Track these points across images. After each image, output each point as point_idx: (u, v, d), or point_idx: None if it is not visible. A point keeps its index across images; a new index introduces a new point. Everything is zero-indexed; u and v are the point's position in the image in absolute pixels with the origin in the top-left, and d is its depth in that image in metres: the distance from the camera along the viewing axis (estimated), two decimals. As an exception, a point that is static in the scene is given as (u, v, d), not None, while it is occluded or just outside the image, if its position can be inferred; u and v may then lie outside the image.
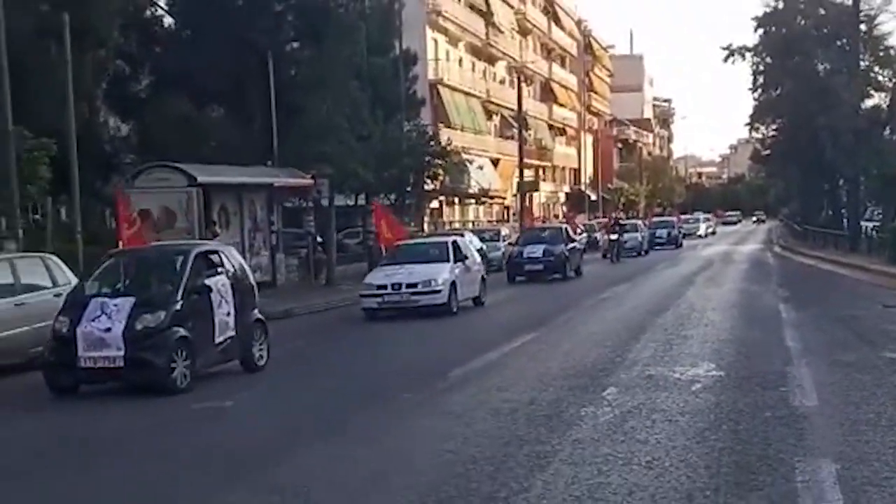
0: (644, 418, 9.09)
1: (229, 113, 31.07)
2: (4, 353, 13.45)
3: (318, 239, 31.83)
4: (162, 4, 30.96)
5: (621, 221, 44.75)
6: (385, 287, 19.63)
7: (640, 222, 52.62)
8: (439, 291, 19.44)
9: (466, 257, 21.32)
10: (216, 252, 13.26)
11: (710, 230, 73.46)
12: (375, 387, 11.91)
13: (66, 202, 24.21)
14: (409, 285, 19.51)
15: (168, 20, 31.35)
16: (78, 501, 7.47)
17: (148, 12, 30.70)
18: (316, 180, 28.62)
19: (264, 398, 11.81)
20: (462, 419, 9.43)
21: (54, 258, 15.30)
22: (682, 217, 73.15)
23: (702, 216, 79.35)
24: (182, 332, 11.62)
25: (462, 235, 30.81)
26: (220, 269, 12.74)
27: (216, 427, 10.21)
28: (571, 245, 30.67)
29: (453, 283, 19.86)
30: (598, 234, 47.40)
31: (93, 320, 11.43)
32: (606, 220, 52.69)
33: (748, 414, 9.18)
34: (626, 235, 41.56)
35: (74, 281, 15.15)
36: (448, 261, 20.37)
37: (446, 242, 21.71)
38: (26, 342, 13.65)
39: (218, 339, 12.30)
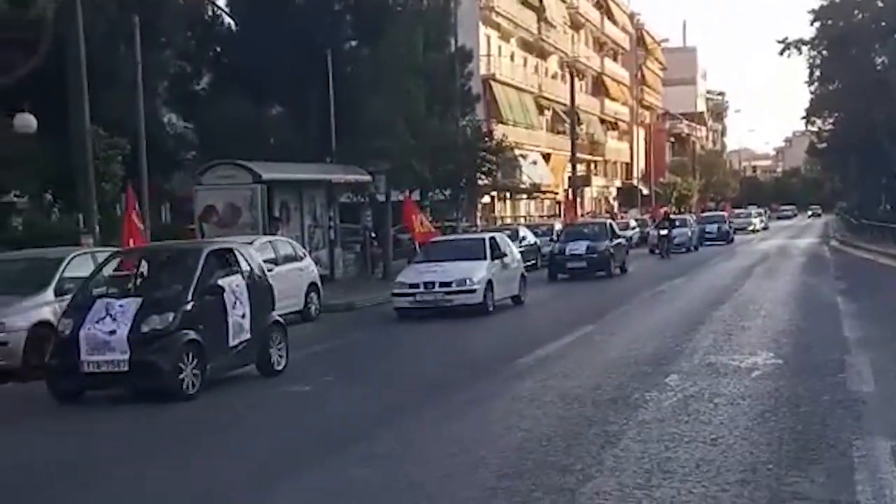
0: (706, 402, 9.46)
1: (287, 110, 31.74)
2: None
3: (373, 234, 32.37)
4: (222, 5, 31.70)
5: (671, 216, 43.27)
6: (418, 286, 18.84)
7: (689, 217, 51.08)
8: (474, 291, 18.69)
9: (505, 254, 20.48)
10: (231, 251, 12.62)
11: (762, 225, 71.81)
12: (443, 377, 12.31)
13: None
14: (442, 284, 18.71)
15: (227, 20, 32.06)
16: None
17: (209, 12, 31.37)
18: (373, 176, 29.14)
19: (346, 383, 12.29)
20: (533, 403, 9.86)
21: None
22: (734, 211, 71.79)
23: (754, 210, 77.64)
24: (192, 334, 11.01)
25: (512, 231, 31.09)
26: (234, 269, 12.16)
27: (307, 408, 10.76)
28: (616, 241, 29.36)
29: (489, 282, 19.08)
30: (648, 229, 46.22)
31: (97, 322, 10.89)
32: (653, 213, 50.97)
33: (807, 398, 9.50)
34: (675, 231, 40.22)
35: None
36: (484, 258, 19.58)
37: (483, 239, 20.89)
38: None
39: (232, 343, 11.74)
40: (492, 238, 21.00)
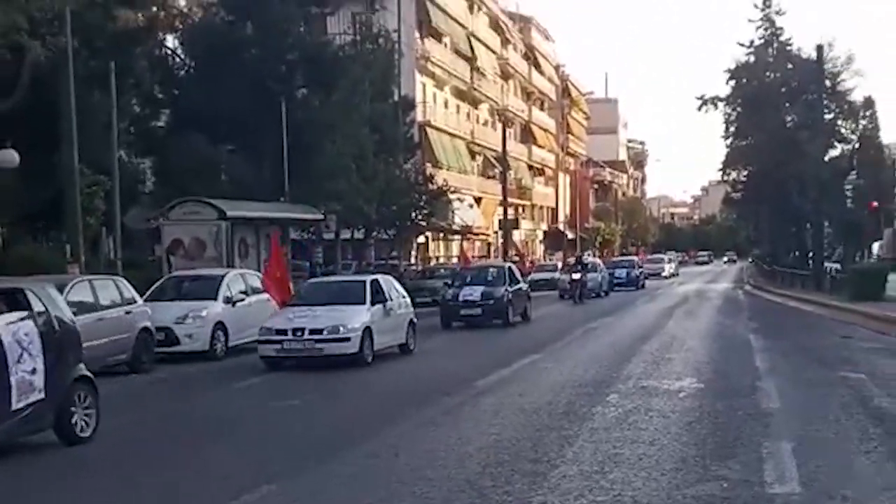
0: (643, 415, 11.41)
1: (242, 151, 33.34)
2: (87, 361, 15.50)
3: (319, 269, 34.12)
4: (181, 52, 33.26)
5: (584, 260, 41.68)
6: (285, 332, 16.86)
7: (598, 261, 49.53)
8: (349, 339, 16.83)
9: (387, 299, 18.58)
10: (20, 291, 10.31)
11: (672, 271, 70.65)
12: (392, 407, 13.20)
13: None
14: (313, 331, 16.76)
15: (186, 63, 33.62)
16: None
17: (169, 57, 32.91)
18: (325, 216, 30.90)
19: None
20: (498, 416, 11.69)
21: (122, 280, 17.50)
22: (647, 257, 71.99)
23: (666, 256, 77.17)
24: None
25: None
26: (22, 313, 10.02)
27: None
28: (516, 287, 27.04)
29: (368, 329, 17.24)
30: (556, 274, 44.87)
31: None
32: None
33: (725, 412, 11.51)
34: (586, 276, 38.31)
35: (140, 301, 17.42)
36: (364, 303, 17.80)
37: (363, 282, 18.88)
38: (104, 352, 15.80)
39: (17, 405, 9.66)
40: (374, 280, 19.08)
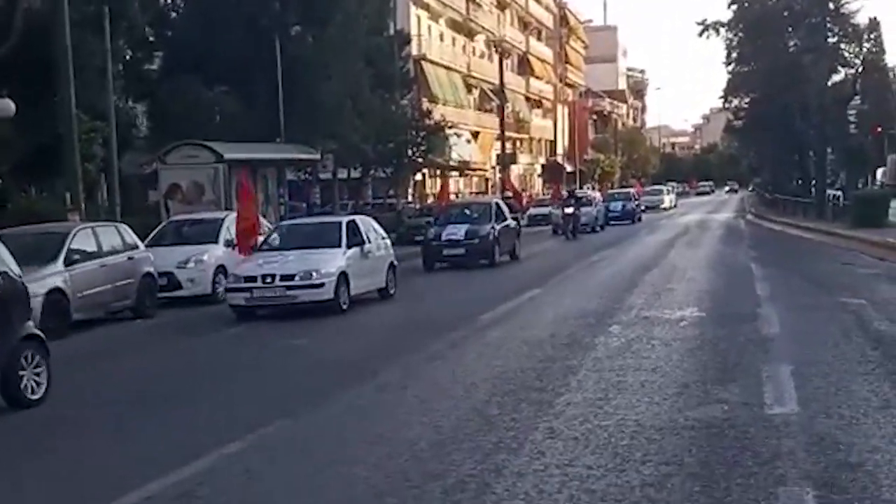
0: (645, 343, 11.55)
1: (237, 92, 33.13)
2: (92, 308, 15.70)
3: (317, 209, 34.17)
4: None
5: (577, 194, 40.04)
6: (255, 279, 15.91)
7: (595, 194, 47.93)
8: (322, 285, 15.83)
9: (365, 241, 17.58)
10: None
11: (671, 203, 68.78)
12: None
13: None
14: (284, 277, 15.84)
15: (179, 3, 33.32)
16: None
17: (161, -1, 32.65)
18: (322, 155, 30.84)
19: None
20: (501, 348, 11.84)
21: (125, 226, 17.57)
22: (643, 189, 69.35)
23: (665, 188, 75.54)
24: None
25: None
26: None
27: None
28: (503, 224, 25.65)
29: (343, 275, 16.27)
30: (550, 208, 42.98)
31: None
32: (554, 193, 46.14)
33: (726, 339, 11.65)
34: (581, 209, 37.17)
35: (142, 246, 17.50)
36: (339, 246, 16.88)
37: (339, 223, 17.91)
38: (109, 298, 15.95)
39: None
40: (350, 222, 18.07)
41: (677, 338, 11.92)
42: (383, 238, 19.04)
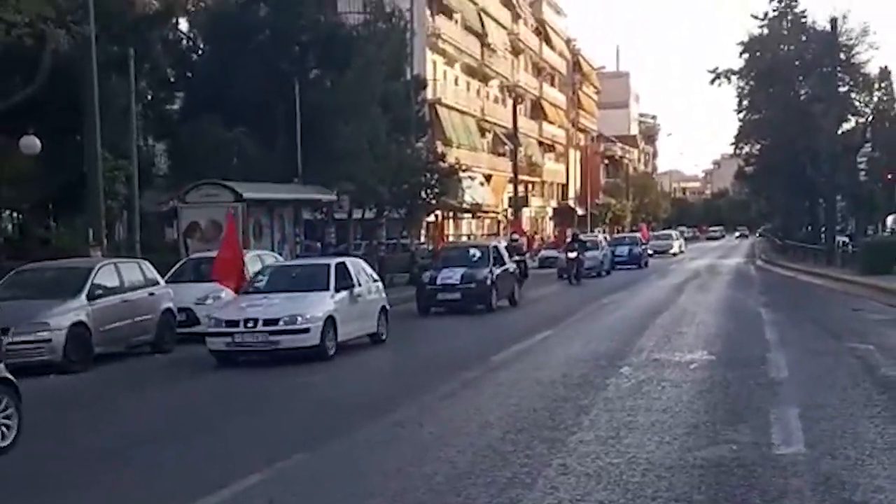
0: (656, 385, 11.82)
1: (256, 133, 33.68)
2: (113, 342, 16.03)
3: (331, 249, 34.51)
4: (194, 35, 33.58)
5: (581, 238, 38.91)
6: (237, 323, 15.17)
7: (601, 238, 46.96)
8: (307, 330, 15.08)
9: (354, 284, 16.79)
10: None
11: (680, 248, 67.25)
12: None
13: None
14: (267, 321, 15.10)
15: (200, 45, 33.95)
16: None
17: (183, 41, 33.26)
18: (338, 196, 31.27)
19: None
20: (514, 387, 12.11)
21: (146, 263, 17.93)
22: (651, 233, 68.46)
23: (674, 232, 74.78)
24: None
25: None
26: None
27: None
28: (502, 268, 24.86)
29: (330, 319, 15.52)
30: (556, 252, 42.15)
31: None
32: (557, 238, 44.68)
33: (735, 382, 11.91)
34: (586, 253, 36.43)
35: (162, 283, 17.85)
36: (327, 289, 16.13)
37: (327, 265, 17.09)
38: (129, 333, 16.29)
39: None
40: (339, 264, 17.29)
41: (687, 380, 12.18)
42: (375, 281, 18.39)
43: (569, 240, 37.82)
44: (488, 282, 23.77)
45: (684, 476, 7.56)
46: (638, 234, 56.72)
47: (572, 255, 35.16)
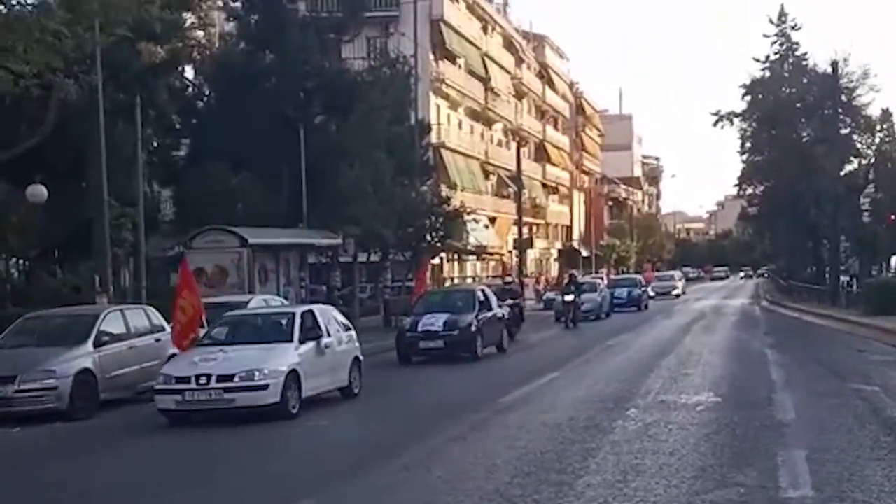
0: (662, 427, 11.82)
1: (261, 178, 33.90)
2: (119, 388, 16.05)
3: (339, 293, 34.59)
4: (200, 82, 33.92)
5: (578, 280, 37.98)
6: (187, 380, 13.70)
7: (599, 280, 46.10)
8: (266, 387, 13.67)
9: (321, 335, 15.35)
10: None
11: (682, 290, 65.72)
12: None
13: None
14: (221, 377, 13.64)
15: (206, 93, 34.27)
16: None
17: (189, 88, 33.59)
18: (343, 240, 31.40)
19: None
20: (522, 429, 12.11)
21: (152, 309, 17.99)
22: (655, 275, 67.38)
23: (677, 273, 73.66)
24: None
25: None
26: None
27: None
28: (488, 314, 23.42)
29: (293, 373, 14.12)
30: (552, 295, 41.50)
31: None
32: (558, 280, 43.90)
33: (742, 424, 11.91)
34: (583, 296, 35.42)
35: (167, 328, 17.88)
36: (290, 340, 14.78)
37: (292, 314, 15.70)
38: (136, 379, 16.30)
39: None
40: (306, 312, 15.88)
41: (694, 422, 12.18)
42: (347, 329, 16.78)
43: (565, 282, 36.66)
44: (473, 328, 22.25)
45: (692, 520, 7.56)
46: (637, 276, 55.74)
47: (569, 298, 33.90)
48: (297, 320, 15.23)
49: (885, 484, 8.53)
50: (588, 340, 26.89)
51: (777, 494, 8.24)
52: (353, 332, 17.00)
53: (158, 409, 14.06)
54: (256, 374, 13.73)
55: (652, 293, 53.07)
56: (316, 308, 16.68)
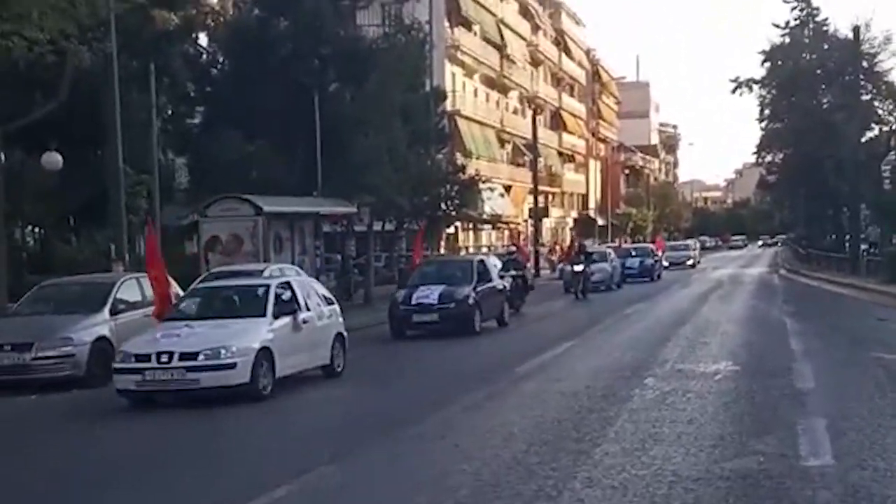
0: (680, 396, 11.72)
1: (276, 147, 33.77)
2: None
3: (353, 261, 34.56)
4: (214, 49, 33.74)
5: (588, 249, 36.46)
6: (147, 358, 12.59)
7: (609, 250, 43.59)
8: (234, 365, 12.52)
9: (298, 308, 14.15)
10: None
11: (697, 260, 63.15)
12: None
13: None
14: (184, 356, 12.50)
15: (220, 60, 34.10)
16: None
17: (203, 55, 33.43)
18: (358, 209, 31.30)
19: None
20: (537, 398, 12.03)
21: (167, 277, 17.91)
22: (667, 244, 64.59)
23: (692, 242, 71.72)
24: None
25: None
26: None
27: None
28: (487, 286, 22.11)
29: (265, 351, 12.98)
30: (561, 265, 40.23)
31: None
32: (566, 251, 42.00)
33: (761, 393, 11.80)
34: (593, 266, 34.11)
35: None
36: (263, 315, 13.56)
37: (266, 286, 14.37)
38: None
39: None
40: (282, 284, 14.69)
41: (712, 391, 12.07)
42: (330, 303, 15.49)
43: (574, 251, 35.22)
44: (470, 301, 20.86)
45: (711, 488, 7.48)
46: (650, 245, 54.02)
47: (578, 268, 32.58)
48: (272, 293, 13.94)
49: (907, 452, 8.42)
50: (599, 312, 25.63)
51: (797, 463, 8.14)
52: (335, 307, 15.70)
53: (117, 389, 12.94)
54: (223, 351, 12.54)
55: (666, 263, 51.74)
56: (294, 280, 15.65)
